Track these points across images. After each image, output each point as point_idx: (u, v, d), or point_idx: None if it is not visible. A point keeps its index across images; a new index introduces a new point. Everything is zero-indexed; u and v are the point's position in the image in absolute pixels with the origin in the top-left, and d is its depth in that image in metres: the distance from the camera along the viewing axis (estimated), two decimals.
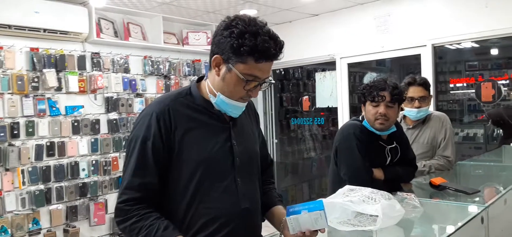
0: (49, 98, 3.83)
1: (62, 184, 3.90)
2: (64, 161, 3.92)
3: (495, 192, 2.10)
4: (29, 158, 3.68)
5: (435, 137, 2.72)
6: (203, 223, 1.35)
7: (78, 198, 4.01)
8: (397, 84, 2.14)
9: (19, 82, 3.63)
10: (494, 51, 4.77)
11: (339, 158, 2.22)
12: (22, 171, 3.65)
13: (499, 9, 3.82)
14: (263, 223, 1.58)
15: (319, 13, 5.03)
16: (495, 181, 2.60)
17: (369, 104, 2.15)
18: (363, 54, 4.80)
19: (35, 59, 3.73)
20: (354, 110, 4.96)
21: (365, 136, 2.18)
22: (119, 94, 4.33)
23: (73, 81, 3.96)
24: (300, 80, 6.03)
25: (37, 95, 3.76)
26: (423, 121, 2.77)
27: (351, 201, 1.55)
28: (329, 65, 5.27)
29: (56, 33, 3.82)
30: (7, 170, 3.57)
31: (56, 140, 3.86)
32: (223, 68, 1.32)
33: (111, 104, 4.25)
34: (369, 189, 1.59)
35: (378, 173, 2.17)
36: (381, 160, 2.21)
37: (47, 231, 3.80)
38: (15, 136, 3.61)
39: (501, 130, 4.51)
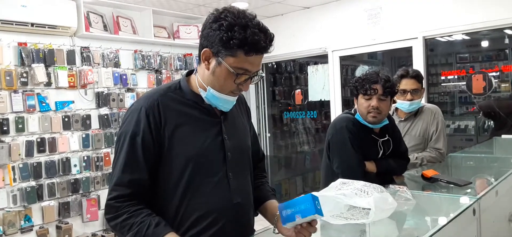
0: (38, 94, 3.78)
1: (53, 180, 3.86)
2: (55, 157, 3.88)
3: (486, 183, 2.11)
4: (19, 154, 3.64)
5: (427, 129, 2.73)
6: (195, 218, 1.34)
7: (70, 194, 3.98)
8: (389, 77, 2.14)
9: (8, 78, 3.57)
10: (485, 43, 4.80)
11: (332, 151, 2.22)
12: (13, 168, 3.61)
13: (490, 1, 3.84)
14: (256, 218, 1.58)
15: (311, 6, 5.01)
16: (486, 173, 2.62)
17: (361, 97, 2.15)
18: (355, 47, 4.80)
19: (23, 54, 3.68)
20: (347, 103, 4.97)
21: (358, 129, 2.18)
22: (109, 89, 4.29)
23: (62, 76, 3.92)
24: (293, 73, 6.02)
25: (26, 91, 3.71)
26: (415, 114, 2.78)
27: (344, 194, 1.54)
28: (321, 59, 5.27)
29: (44, 27, 3.77)
30: None
31: (46, 136, 3.82)
32: (213, 62, 1.30)
33: (101, 99, 4.21)
34: (361, 182, 1.58)
35: (370, 166, 2.17)
36: (374, 153, 2.21)
37: (40, 227, 3.77)
38: (5, 132, 3.57)
39: (492, 122, 4.55)
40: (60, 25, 3.87)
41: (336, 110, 4.95)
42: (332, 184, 1.62)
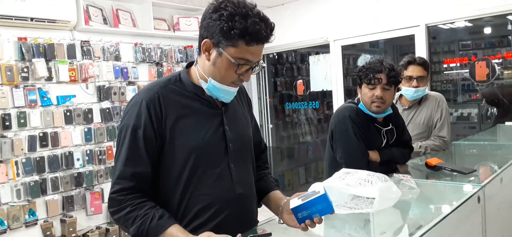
0: (39, 89, 3.78)
1: (57, 174, 3.87)
2: (58, 151, 3.88)
3: (490, 171, 2.11)
4: (22, 149, 3.64)
5: (431, 117, 2.72)
6: (198, 210, 1.34)
7: (74, 188, 3.98)
8: (393, 66, 2.12)
9: (8, 73, 3.56)
10: (487, 30, 4.76)
11: (335, 141, 2.21)
12: (16, 163, 3.61)
13: None
14: (260, 208, 1.58)
15: None
16: (490, 160, 2.61)
17: (365, 86, 2.13)
18: (356, 36, 4.77)
19: (23, 49, 3.66)
20: (349, 93, 4.95)
21: (361, 118, 2.16)
22: (110, 83, 4.27)
23: (63, 71, 3.90)
24: (294, 64, 5.99)
25: (27, 86, 3.70)
26: (419, 101, 2.77)
27: (348, 184, 1.53)
28: (323, 48, 5.24)
29: (44, 21, 3.74)
30: (0, 161, 3.53)
31: (49, 130, 3.82)
32: (214, 53, 1.28)
33: (103, 93, 4.21)
34: (365, 172, 1.58)
35: (374, 155, 2.16)
36: (377, 142, 2.20)
37: (44, 221, 3.79)
38: (7, 127, 3.56)
39: (495, 109, 4.52)
40: (60, 19, 3.85)
41: (338, 100, 4.93)
42: (336, 173, 1.61)
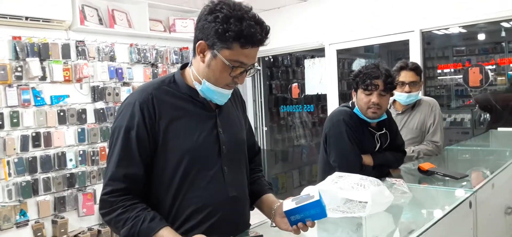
0: (33, 88, 3.75)
1: (49, 174, 3.84)
2: (51, 152, 3.86)
3: (482, 176, 2.12)
4: (14, 149, 3.62)
5: (424, 122, 2.73)
6: (190, 212, 1.33)
7: (66, 188, 3.96)
8: (389, 72, 2.12)
9: (2, 72, 3.54)
10: (481, 36, 4.80)
11: (329, 145, 2.21)
12: (8, 162, 3.58)
13: None
14: (253, 211, 1.57)
15: None
16: (482, 166, 2.62)
17: (361, 92, 2.13)
18: (351, 41, 4.79)
19: (17, 48, 3.64)
20: (343, 97, 4.97)
21: (355, 122, 2.17)
22: (105, 83, 4.26)
23: (57, 70, 3.88)
24: (289, 67, 6.00)
25: (21, 85, 3.68)
26: (413, 106, 2.78)
27: (341, 188, 1.54)
28: (318, 52, 5.25)
29: (39, 21, 3.73)
30: None
31: (42, 130, 3.79)
32: (208, 55, 1.28)
33: (97, 93, 4.19)
34: (358, 176, 1.58)
35: (367, 159, 2.17)
36: (371, 146, 2.21)
37: (35, 222, 3.76)
38: (0, 127, 3.54)
39: (488, 115, 4.56)
40: (55, 19, 3.83)
41: (333, 104, 4.94)
42: (329, 177, 1.62)
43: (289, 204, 1.30)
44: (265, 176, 1.66)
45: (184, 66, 1.43)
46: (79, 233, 3.99)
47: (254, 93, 5.86)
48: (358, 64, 5.54)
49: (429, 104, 2.78)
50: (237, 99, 1.56)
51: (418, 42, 4.26)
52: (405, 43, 4.38)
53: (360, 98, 2.14)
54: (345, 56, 5.33)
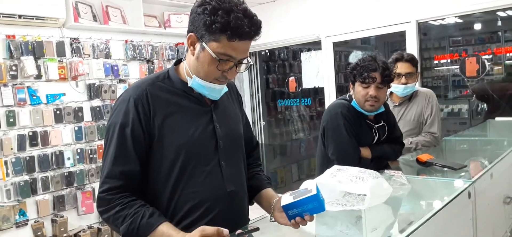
0: (28, 87, 3.73)
1: (47, 173, 3.83)
2: (48, 151, 3.84)
3: (481, 166, 2.12)
4: (11, 149, 3.60)
5: (421, 114, 2.73)
6: (188, 208, 1.33)
7: (65, 187, 3.95)
8: (387, 64, 2.11)
9: None
10: (477, 26, 4.79)
11: (327, 138, 2.21)
12: (5, 162, 3.57)
13: None
14: (252, 206, 1.57)
15: None
16: (480, 156, 2.62)
17: (359, 85, 2.12)
18: (348, 33, 4.77)
19: (12, 47, 3.61)
20: (341, 89, 4.96)
21: (353, 115, 2.16)
22: (101, 81, 4.24)
23: (52, 69, 3.86)
24: (286, 61, 5.99)
25: (16, 84, 3.65)
26: (410, 98, 2.78)
27: (339, 181, 1.53)
28: (315, 45, 5.24)
29: (32, 18, 3.70)
30: None
31: (38, 129, 3.78)
32: (198, 47, 1.28)
33: (93, 91, 4.17)
34: (356, 169, 1.58)
35: (365, 152, 2.17)
36: (369, 139, 2.21)
37: (35, 221, 3.75)
38: None
39: (485, 105, 4.56)
40: (48, 16, 3.80)
41: (330, 97, 4.94)
42: (327, 170, 1.61)
43: (287, 198, 1.29)
44: (264, 171, 1.66)
45: (178, 61, 1.42)
46: (79, 231, 3.99)
47: (251, 87, 5.85)
48: (354, 56, 5.53)
49: (426, 95, 2.78)
50: (233, 94, 1.55)
51: (415, 33, 4.25)
52: (402, 34, 4.37)
53: (357, 91, 2.13)
54: (341, 49, 5.32)
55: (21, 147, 3.66)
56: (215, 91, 1.35)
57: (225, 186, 1.37)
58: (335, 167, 1.62)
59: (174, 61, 1.46)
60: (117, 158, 1.26)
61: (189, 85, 1.34)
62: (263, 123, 5.90)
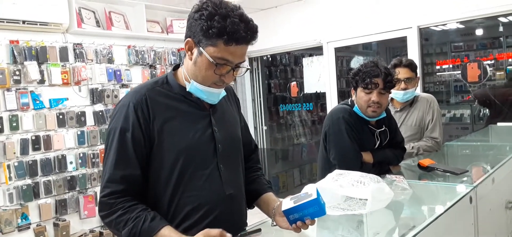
0: (32, 92, 3.75)
1: (49, 177, 3.84)
2: (51, 155, 3.86)
3: (482, 171, 2.12)
4: (14, 153, 3.61)
5: (423, 119, 2.73)
6: (188, 211, 1.34)
7: (67, 191, 3.96)
8: (389, 70, 2.11)
9: (0, 76, 3.54)
10: (479, 32, 4.80)
11: (329, 142, 2.21)
12: (8, 166, 3.58)
13: None
14: (253, 210, 1.57)
15: None
16: (482, 161, 2.62)
17: (361, 90, 2.12)
18: (349, 38, 4.79)
19: (15, 52, 3.64)
20: (342, 95, 4.97)
21: (354, 120, 2.17)
22: (104, 86, 4.26)
23: (56, 74, 3.88)
24: (288, 66, 6.01)
25: (19, 89, 3.67)
26: (411, 103, 2.78)
27: (341, 186, 1.54)
28: (316, 50, 5.25)
29: (36, 24, 3.72)
30: None
31: (41, 134, 3.79)
32: (195, 52, 1.30)
33: (96, 95, 4.19)
34: (358, 173, 1.58)
35: (367, 157, 2.17)
36: (371, 144, 2.21)
37: (37, 225, 3.76)
38: None
39: (487, 110, 4.56)
40: (52, 22, 3.83)
41: (332, 102, 4.94)
42: (329, 175, 1.62)
43: (287, 203, 1.30)
44: (265, 175, 1.66)
45: (176, 67, 1.44)
46: (81, 235, 3.99)
47: (253, 92, 5.86)
48: (356, 61, 5.54)
49: (427, 100, 2.78)
50: (231, 98, 1.56)
51: (416, 38, 4.26)
52: (403, 40, 4.38)
53: (359, 97, 2.14)
54: (343, 54, 5.33)
55: (24, 151, 3.67)
56: (213, 95, 1.36)
57: (223, 189, 1.38)
58: (337, 171, 1.62)
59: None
60: (118, 162, 1.28)
61: (187, 90, 1.36)
62: (265, 128, 5.91)
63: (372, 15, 4.49)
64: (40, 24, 3.75)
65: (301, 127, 6.17)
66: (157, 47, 4.74)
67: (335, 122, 2.18)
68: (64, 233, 3.86)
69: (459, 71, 4.41)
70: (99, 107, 4.22)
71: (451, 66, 4.84)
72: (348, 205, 1.53)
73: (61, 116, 3.93)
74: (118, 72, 4.36)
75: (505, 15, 4.06)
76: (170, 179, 1.32)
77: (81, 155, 4.06)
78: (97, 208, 4.10)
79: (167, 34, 4.86)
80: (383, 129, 2.24)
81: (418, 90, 2.91)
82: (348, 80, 4.88)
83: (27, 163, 3.70)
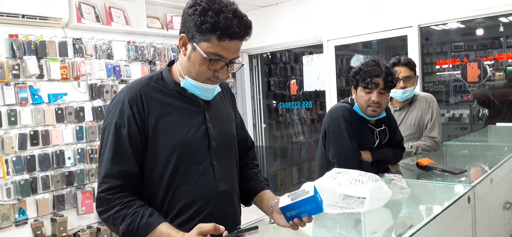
0: (31, 86, 3.74)
1: (47, 173, 3.83)
2: (49, 150, 3.85)
3: (481, 171, 2.12)
4: (12, 148, 3.61)
5: (422, 118, 2.73)
6: (181, 207, 1.34)
7: (65, 186, 3.95)
8: (390, 70, 2.10)
9: None
10: (480, 32, 4.79)
11: (328, 140, 2.21)
12: (6, 161, 3.58)
13: None
14: (250, 208, 1.57)
15: None
16: (481, 161, 2.62)
17: (361, 90, 2.11)
18: (350, 36, 4.78)
19: (14, 46, 3.63)
20: (342, 93, 4.96)
21: (354, 118, 2.16)
22: (103, 81, 4.25)
23: (55, 68, 3.87)
24: (288, 64, 6.00)
25: (18, 83, 3.66)
26: (410, 102, 2.78)
27: (339, 184, 1.54)
28: (316, 48, 5.25)
29: (35, 18, 3.71)
30: None
31: (40, 129, 3.78)
32: (189, 47, 1.30)
33: (95, 91, 4.18)
34: (356, 172, 1.58)
35: (366, 156, 2.17)
36: (370, 142, 2.21)
37: (34, 220, 3.75)
38: None
39: (486, 110, 4.56)
40: (52, 17, 3.81)
41: (331, 100, 4.94)
42: (327, 173, 1.61)
43: (284, 200, 1.30)
44: (262, 172, 1.66)
45: (171, 63, 1.44)
46: (79, 231, 3.99)
47: (253, 90, 5.85)
48: (356, 60, 5.54)
49: (427, 100, 2.78)
50: (226, 94, 1.56)
51: (416, 37, 4.25)
52: (403, 39, 4.37)
53: (360, 96, 2.13)
54: (343, 52, 5.33)
55: (22, 146, 3.67)
56: (208, 91, 1.36)
57: (217, 185, 1.39)
58: (335, 170, 1.62)
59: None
60: (114, 157, 1.28)
61: (181, 85, 1.36)
62: (264, 125, 5.91)
63: (372, 13, 4.48)
64: (39, 19, 3.74)
65: (300, 125, 6.17)
66: (157, 43, 4.73)
67: (335, 120, 2.18)
68: (62, 228, 3.86)
69: (459, 71, 4.41)
70: (98, 103, 4.21)
71: (451, 66, 4.84)
72: (346, 203, 1.53)
73: (59, 112, 3.92)
74: (118, 68, 4.35)
75: (506, 16, 4.06)
76: (164, 175, 1.32)
77: (79, 150, 4.05)
78: (94, 204, 4.09)
79: (167, 30, 4.85)
80: (382, 127, 2.24)
81: (418, 90, 2.91)
82: (347, 78, 4.88)
83: (25, 158, 3.69)
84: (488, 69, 4.15)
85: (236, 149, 1.53)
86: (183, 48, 1.32)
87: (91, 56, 4.16)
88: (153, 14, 4.78)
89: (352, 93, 2.22)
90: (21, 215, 3.66)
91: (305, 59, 5.46)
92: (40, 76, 3.79)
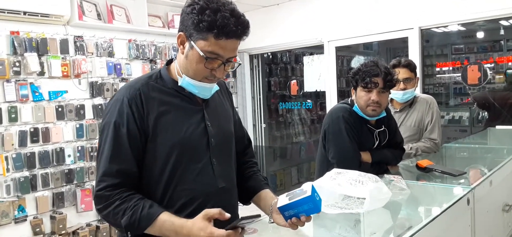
0: (31, 83, 3.74)
1: (47, 170, 3.84)
2: (49, 147, 3.85)
3: (480, 173, 2.12)
4: (12, 144, 3.61)
5: (422, 120, 2.73)
6: (181, 204, 1.35)
7: (65, 184, 3.95)
8: (389, 69, 2.11)
9: (0, 67, 3.53)
10: (480, 35, 4.81)
11: (328, 141, 2.21)
12: (6, 158, 3.58)
13: None
14: (249, 207, 1.57)
15: None
16: (480, 163, 2.63)
17: (361, 90, 2.12)
18: (351, 38, 4.78)
19: (16, 43, 3.63)
20: (342, 94, 4.97)
21: (354, 119, 2.17)
22: (103, 79, 4.25)
23: (56, 66, 3.87)
24: (288, 64, 6.00)
25: (19, 80, 3.67)
26: (410, 104, 2.78)
27: (339, 184, 1.54)
28: (317, 49, 5.25)
29: (37, 15, 3.71)
30: None
31: (40, 126, 3.79)
32: (187, 46, 1.31)
33: (95, 89, 4.18)
34: (356, 172, 1.59)
35: (365, 156, 2.17)
36: (370, 143, 2.21)
37: (34, 218, 3.75)
38: None
39: (486, 113, 4.56)
40: (53, 14, 3.82)
41: (331, 101, 4.94)
42: (327, 173, 1.62)
43: (283, 199, 1.30)
44: (261, 172, 1.66)
45: (170, 61, 1.45)
46: (78, 228, 3.99)
47: (253, 90, 5.86)
48: (357, 61, 5.54)
49: (427, 101, 2.78)
50: (224, 92, 1.57)
51: (417, 39, 4.26)
52: (404, 41, 4.38)
53: (359, 96, 2.14)
54: (344, 53, 5.33)
55: (22, 143, 3.67)
56: (205, 90, 1.37)
57: (216, 182, 1.40)
58: (335, 170, 1.62)
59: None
60: (113, 156, 1.28)
61: (179, 84, 1.37)
62: (264, 125, 5.91)
63: (373, 15, 4.49)
64: (41, 16, 3.74)
65: (300, 125, 6.17)
66: (158, 41, 4.73)
67: (334, 121, 2.18)
68: (61, 226, 3.86)
69: (459, 74, 4.41)
70: (98, 100, 4.21)
71: (451, 68, 4.85)
72: (345, 204, 1.54)
73: (60, 109, 3.92)
74: (118, 66, 4.36)
75: (507, 19, 4.06)
76: (163, 173, 1.33)
77: (79, 148, 4.05)
78: (93, 202, 4.09)
79: (169, 29, 4.85)
80: (382, 128, 2.24)
81: (418, 92, 2.91)
82: (348, 79, 4.88)
83: (25, 155, 3.69)
84: (489, 72, 4.15)
85: (234, 146, 1.54)
86: (181, 46, 1.33)
87: (92, 54, 4.16)
88: (155, 13, 4.78)
89: (351, 94, 2.23)
90: (21, 212, 3.67)
91: (306, 59, 5.47)
92: (41, 73, 3.79)
